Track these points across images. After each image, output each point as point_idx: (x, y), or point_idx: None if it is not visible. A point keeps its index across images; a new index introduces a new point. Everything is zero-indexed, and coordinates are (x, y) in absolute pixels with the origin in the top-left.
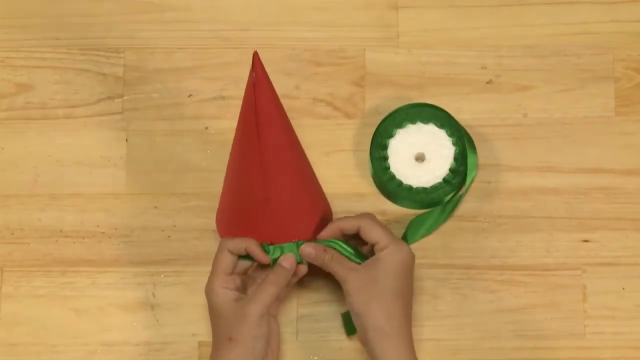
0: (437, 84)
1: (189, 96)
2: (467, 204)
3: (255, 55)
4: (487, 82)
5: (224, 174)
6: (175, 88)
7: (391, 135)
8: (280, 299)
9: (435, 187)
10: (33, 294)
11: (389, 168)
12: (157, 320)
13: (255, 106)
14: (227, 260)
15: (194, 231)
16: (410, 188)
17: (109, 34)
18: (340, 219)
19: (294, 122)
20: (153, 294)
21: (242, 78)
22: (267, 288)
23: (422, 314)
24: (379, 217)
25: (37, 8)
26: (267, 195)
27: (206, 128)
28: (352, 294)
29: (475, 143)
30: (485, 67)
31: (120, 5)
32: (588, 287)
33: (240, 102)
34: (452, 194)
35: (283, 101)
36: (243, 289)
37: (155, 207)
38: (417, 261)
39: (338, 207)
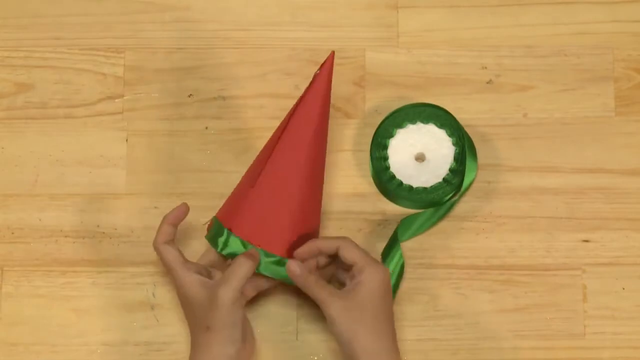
0: (437, 84)
1: (189, 96)
2: (467, 204)
3: (331, 55)
4: (487, 82)
5: (224, 174)
6: (176, 88)
7: (391, 135)
8: (246, 294)
9: (435, 187)
10: (33, 294)
11: (389, 168)
12: (157, 320)
13: (303, 97)
14: (171, 250)
15: (193, 231)
16: (410, 188)
17: (109, 34)
18: (319, 238)
19: None
20: (153, 294)
21: (242, 78)
22: (236, 271)
23: (422, 314)
24: (378, 217)
25: (37, 8)
26: (254, 182)
27: (206, 128)
28: (336, 319)
29: (475, 143)
30: (485, 67)
31: (120, 5)
32: (588, 287)
33: (240, 102)
34: (452, 194)
35: (283, 101)
36: (207, 275)
37: (155, 207)
38: (417, 261)
39: (338, 207)
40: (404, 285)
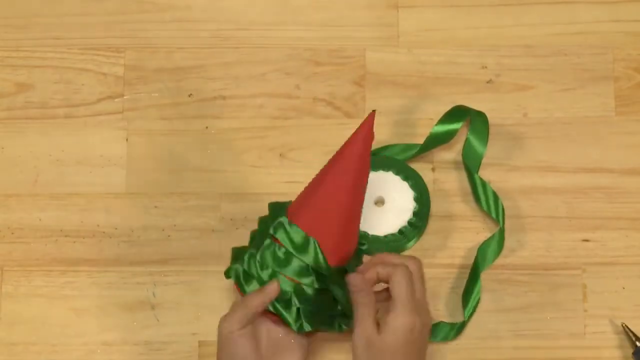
0: (437, 83)
1: (189, 96)
2: (467, 204)
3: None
4: (487, 82)
5: (224, 174)
6: (176, 87)
7: None
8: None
9: (390, 238)
10: (33, 294)
11: None
12: (157, 320)
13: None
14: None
15: (194, 231)
16: (365, 235)
17: (109, 34)
18: (383, 256)
19: (294, 122)
20: (153, 294)
21: (242, 78)
22: (235, 308)
23: None
24: None
25: (37, 8)
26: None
27: (206, 128)
28: (355, 350)
29: None
30: (486, 67)
31: (120, 5)
32: (588, 286)
33: (240, 101)
34: (414, 240)
35: (283, 100)
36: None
37: (155, 207)
38: None
39: None
40: None
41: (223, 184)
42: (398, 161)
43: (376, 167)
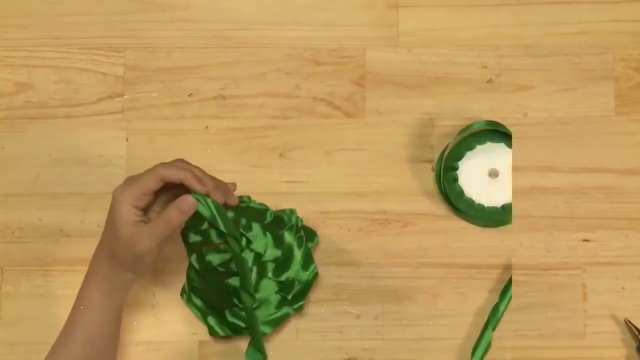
0: (437, 83)
1: (189, 95)
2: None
3: None
4: (488, 82)
5: (224, 174)
6: (176, 87)
7: (461, 157)
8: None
9: (507, 207)
10: (33, 293)
11: (461, 190)
12: (158, 320)
13: None
14: (153, 184)
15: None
16: (482, 208)
17: (109, 33)
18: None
19: (294, 122)
20: (153, 294)
21: (242, 77)
22: (159, 224)
23: (422, 313)
24: (379, 216)
25: (37, 8)
26: None
27: (206, 127)
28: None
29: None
30: (486, 67)
31: (120, 5)
32: (588, 286)
33: (240, 101)
34: None
35: (284, 100)
36: (146, 211)
37: None
38: (417, 260)
39: (338, 206)
40: (404, 284)
41: None
42: (506, 135)
43: (484, 140)
